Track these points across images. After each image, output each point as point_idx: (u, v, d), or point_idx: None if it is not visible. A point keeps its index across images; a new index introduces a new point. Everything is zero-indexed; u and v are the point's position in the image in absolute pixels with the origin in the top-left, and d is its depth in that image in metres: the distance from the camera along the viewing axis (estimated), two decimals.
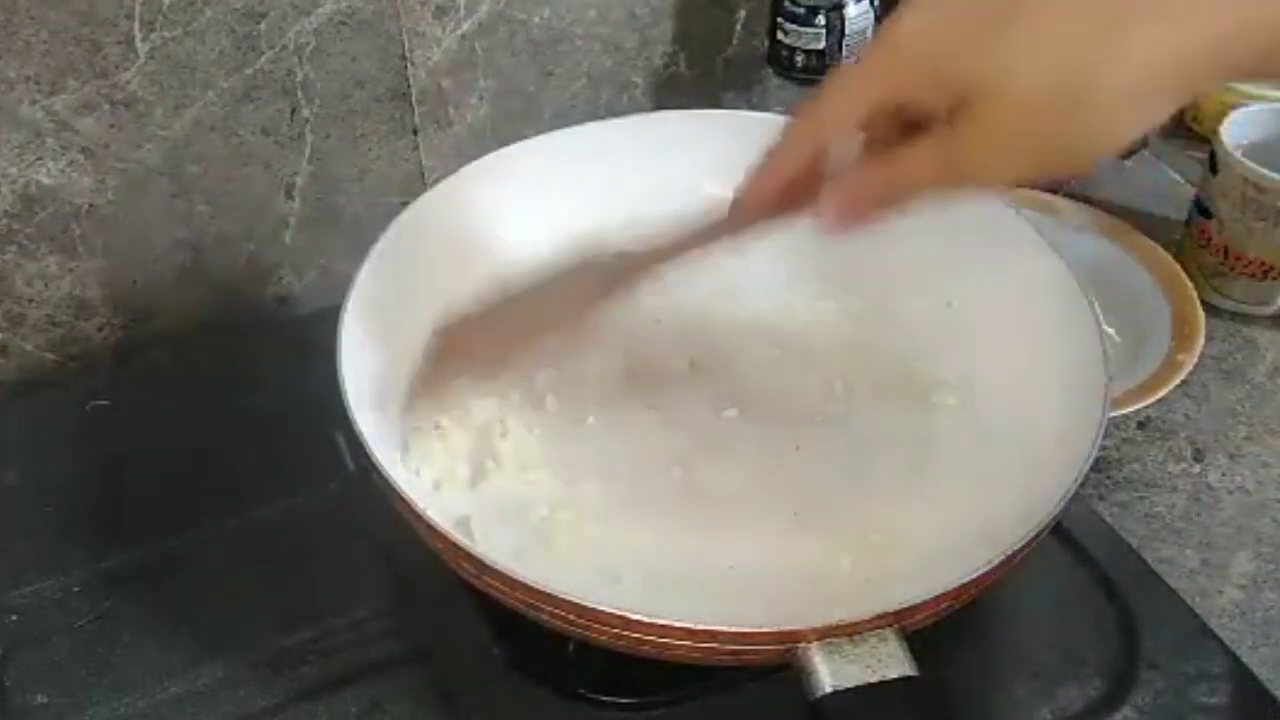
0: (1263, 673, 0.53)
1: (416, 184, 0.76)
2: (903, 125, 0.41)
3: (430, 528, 0.45)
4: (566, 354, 0.62)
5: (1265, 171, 0.69)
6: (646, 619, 0.43)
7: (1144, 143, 0.82)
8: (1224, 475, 0.64)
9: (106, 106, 0.64)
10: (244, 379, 0.67)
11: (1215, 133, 0.73)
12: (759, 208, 0.45)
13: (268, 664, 0.54)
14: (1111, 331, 0.68)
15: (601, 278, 0.51)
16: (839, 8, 0.75)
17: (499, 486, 0.55)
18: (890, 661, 0.42)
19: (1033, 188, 0.78)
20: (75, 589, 0.57)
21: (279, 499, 0.60)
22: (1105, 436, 0.49)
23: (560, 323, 0.53)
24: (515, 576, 0.44)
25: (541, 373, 0.60)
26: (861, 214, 0.42)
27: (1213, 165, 0.72)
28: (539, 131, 0.65)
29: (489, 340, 0.54)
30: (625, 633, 0.43)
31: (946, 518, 0.54)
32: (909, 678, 0.42)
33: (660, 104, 0.83)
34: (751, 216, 0.46)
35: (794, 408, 0.60)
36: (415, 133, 0.75)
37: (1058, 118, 0.37)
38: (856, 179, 0.42)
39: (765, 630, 0.43)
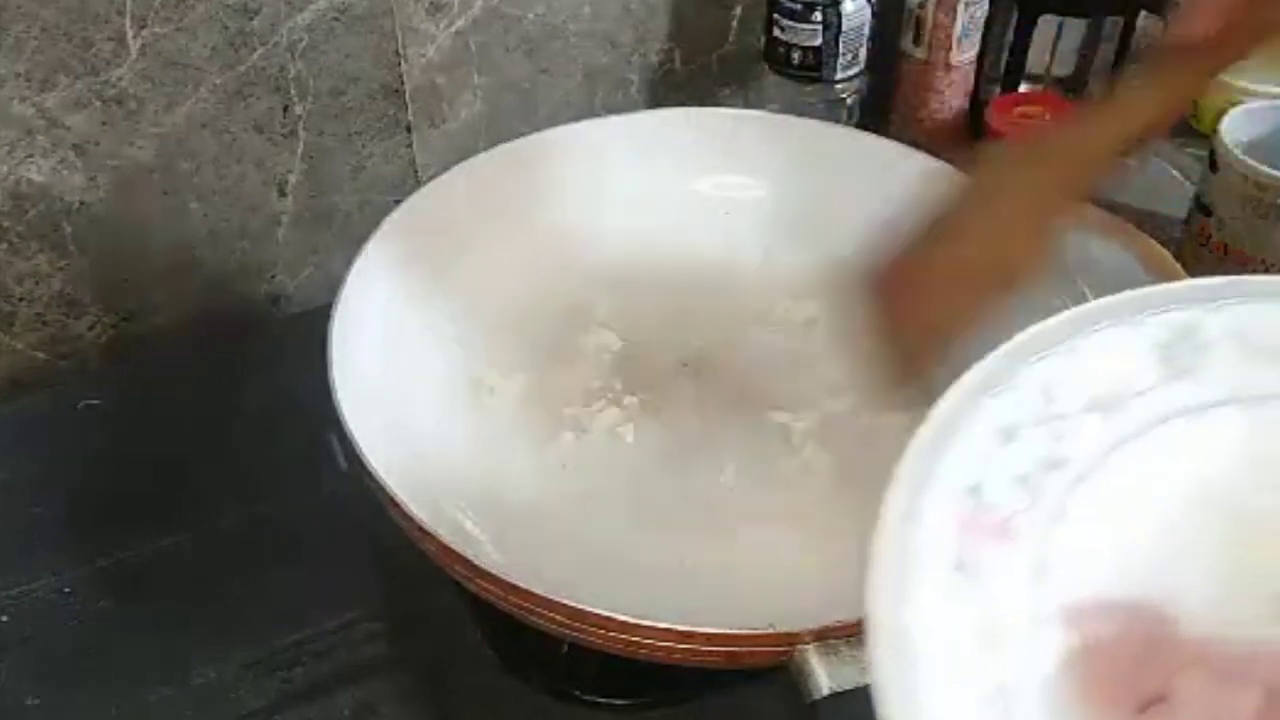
0: None
1: (410, 181, 0.76)
2: None
3: (423, 530, 0.45)
4: (561, 355, 0.62)
5: (1266, 169, 0.69)
6: (642, 622, 0.42)
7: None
8: None
9: (98, 103, 0.64)
10: (236, 378, 0.67)
11: (1215, 130, 0.72)
12: (1204, 44, 0.42)
13: (260, 665, 0.53)
14: None
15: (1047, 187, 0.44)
16: (836, 4, 0.74)
17: (493, 488, 0.55)
18: None
19: None
20: (66, 589, 0.57)
21: (271, 499, 0.60)
22: None
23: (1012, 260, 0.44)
24: (508, 579, 0.43)
25: (536, 374, 0.60)
26: None
27: (1213, 163, 0.72)
28: (534, 129, 0.64)
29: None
30: (620, 635, 0.43)
31: None
32: None
33: (656, 101, 0.82)
34: (1195, 57, 0.43)
35: (789, 408, 0.59)
36: (409, 130, 0.74)
37: None
38: None
39: (762, 632, 0.42)
